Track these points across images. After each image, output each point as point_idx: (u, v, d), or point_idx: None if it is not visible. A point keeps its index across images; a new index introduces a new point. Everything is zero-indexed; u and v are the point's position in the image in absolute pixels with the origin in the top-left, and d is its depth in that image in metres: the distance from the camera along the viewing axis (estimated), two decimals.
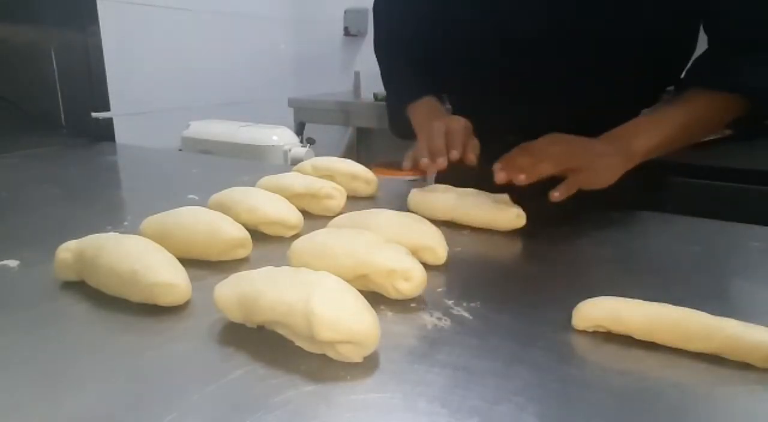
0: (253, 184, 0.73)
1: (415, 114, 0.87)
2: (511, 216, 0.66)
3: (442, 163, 0.68)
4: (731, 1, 0.68)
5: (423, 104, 0.86)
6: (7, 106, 1.22)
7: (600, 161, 0.66)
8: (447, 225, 0.68)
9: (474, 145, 0.73)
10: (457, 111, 0.95)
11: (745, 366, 0.39)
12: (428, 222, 0.59)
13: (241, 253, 0.56)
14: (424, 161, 0.69)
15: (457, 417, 0.33)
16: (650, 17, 0.70)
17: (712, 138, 0.96)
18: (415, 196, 0.72)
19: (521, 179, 0.62)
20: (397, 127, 0.94)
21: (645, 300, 0.43)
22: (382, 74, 0.99)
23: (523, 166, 0.63)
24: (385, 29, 0.96)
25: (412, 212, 0.67)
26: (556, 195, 0.64)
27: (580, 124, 0.72)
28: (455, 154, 0.69)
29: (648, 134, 0.69)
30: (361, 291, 0.42)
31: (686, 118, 0.70)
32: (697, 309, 0.42)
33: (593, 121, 0.72)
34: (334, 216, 0.65)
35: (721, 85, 0.69)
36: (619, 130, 0.71)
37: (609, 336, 0.43)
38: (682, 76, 0.76)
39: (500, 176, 0.64)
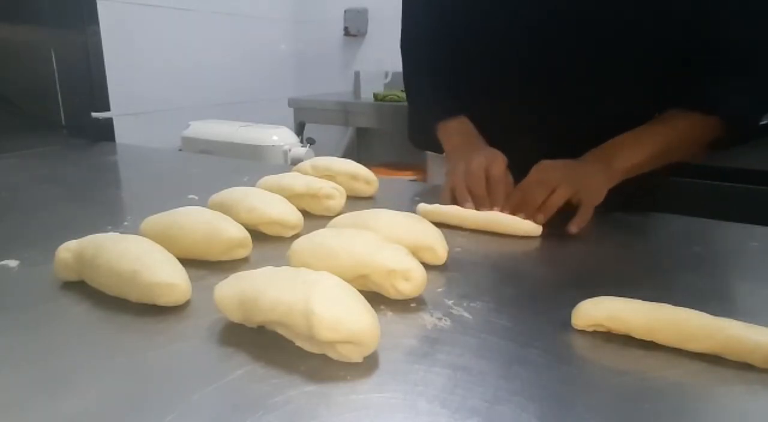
0: (253, 184, 0.73)
1: (448, 136, 0.85)
2: (528, 225, 0.66)
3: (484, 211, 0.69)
4: (727, 20, 0.68)
5: (455, 125, 0.84)
6: (7, 106, 1.21)
7: (591, 181, 0.69)
8: (451, 227, 0.68)
9: (509, 183, 0.73)
10: (474, 111, 0.95)
11: (745, 366, 0.39)
12: (428, 223, 0.59)
13: (241, 253, 0.56)
14: (469, 206, 0.70)
15: (457, 417, 0.33)
16: (665, 20, 0.70)
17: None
18: (426, 206, 0.71)
19: (541, 219, 0.67)
20: (418, 139, 0.92)
21: (645, 300, 0.43)
22: (405, 77, 0.97)
23: (538, 199, 0.67)
24: (414, 23, 0.94)
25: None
26: (575, 229, 0.67)
27: (599, 125, 0.72)
28: (497, 210, 0.68)
29: (628, 153, 0.71)
30: (361, 291, 0.42)
31: (667, 137, 0.72)
32: (697, 309, 0.42)
33: (613, 124, 0.73)
34: (334, 216, 0.65)
35: (699, 107, 0.70)
36: (597, 151, 0.72)
37: (609, 336, 0.43)
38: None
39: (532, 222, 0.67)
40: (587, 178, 0.69)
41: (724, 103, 0.69)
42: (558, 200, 0.67)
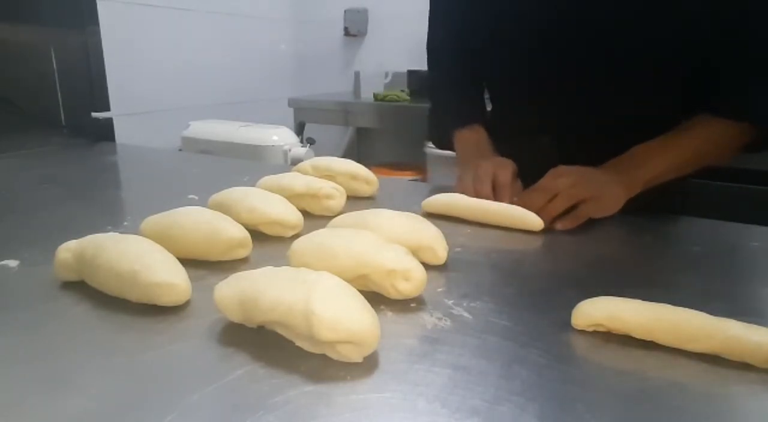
0: (253, 184, 0.73)
1: (462, 144, 0.88)
2: (531, 217, 0.67)
3: None
4: (757, 20, 0.67)
5: (470, 135, 0.87)
6: (7, 106, 1.22)
7: (606, 191, 0.68)
8: (452, 223, 0.69)
9: (518, 188, 0.74)
10: (495, 111, 0.96)
11: (745, 366, 0.39)
12: (428, 222, 0.59)
13: (241, 253, 0.56)
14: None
15: (457, 417, 0.33)
16: (686, 21, 0.69)
17: None
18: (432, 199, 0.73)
19: (539, 223, 0.66)
20: (438, 139, 0.95)
21: (645, 300, 0.43)
22: (430, 78, 1.00)
23: (536, 204, 0.67)
24: (440, 25, 0.96)
25: (426, 212, 0.71)
26: (560, 226, 0.67)
27: (621, 128, 0.72)
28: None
29: (651, 163, 0.70)
30: (361, 291, 0.42)
31: (694, 145, 0.70)
32: (697, 309, 0.42)
33: (634, 126, 0.72)
34: (334, 216, 0.65)
35: (730, 113, 0.69)
36: (623, 159, 0.72)
37: (609, 336, 0.43)
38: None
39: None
40: (602, 188, 0.68)
41: (754, 107, 0.68)
42: (557, 206, 0.67)
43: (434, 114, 0.99)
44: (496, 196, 0.72)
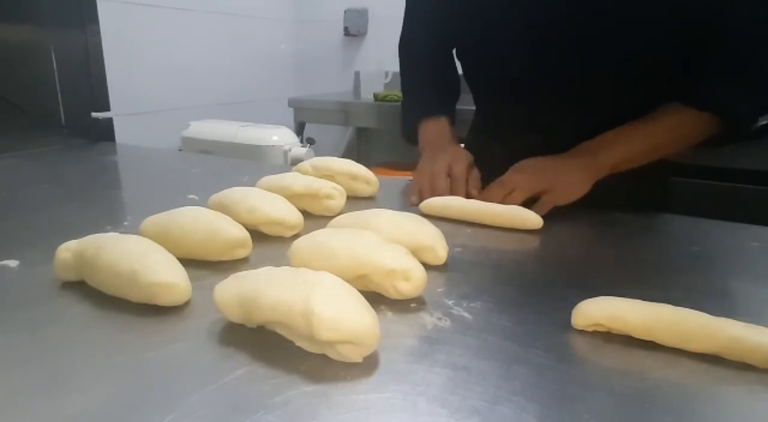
0: (253, 184, 0.73)
1: (425, 134, 0.89)
2: (531, 215, 0.67)
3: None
4: (737, 17, 0.68)
5: (434, 125, 0.89)
6: (7, 106, 1.22)
7: (566, 178, 0.70)
8: (452, 223, 0.69)
9: (474, 177, 0.77)
10: (481, 111, 0.96)
11: (745, 366, 0.39)
12: (428, 223, 0.59)
13: (241, 253, 0.56)
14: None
15: (457, 417, 0.33)
16: (671, 19, 0.69)
17: None
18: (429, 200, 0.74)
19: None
20: (408, 133, 0.96)
21: (645, 300, 0.43)
22: (402, 75, 1.00)
23: (496, 198, 0.70)
24: (416, 22, 0.96)
25: (422, 213, 0.71)
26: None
27: (603, 126, 0.72)
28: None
29: (619, 148, 0.72)
30: (361, 291, 0.42)
31: (661, 133, 0.72)
32: (697, 309, 0.42)
33: (616, 123, 0.73)
34: (334, 216, 0.65)
35: (697, 104, 0.70)
36: (587, 144, 0.74)
37: (609, 336, 0.43)
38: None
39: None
40: (562, 176, 0.70)
41: (722, 100, 0.69)
42: (513, 199, 0.70)
43: (405, 110, 1.00)
44: (452, 189, 0.75)
